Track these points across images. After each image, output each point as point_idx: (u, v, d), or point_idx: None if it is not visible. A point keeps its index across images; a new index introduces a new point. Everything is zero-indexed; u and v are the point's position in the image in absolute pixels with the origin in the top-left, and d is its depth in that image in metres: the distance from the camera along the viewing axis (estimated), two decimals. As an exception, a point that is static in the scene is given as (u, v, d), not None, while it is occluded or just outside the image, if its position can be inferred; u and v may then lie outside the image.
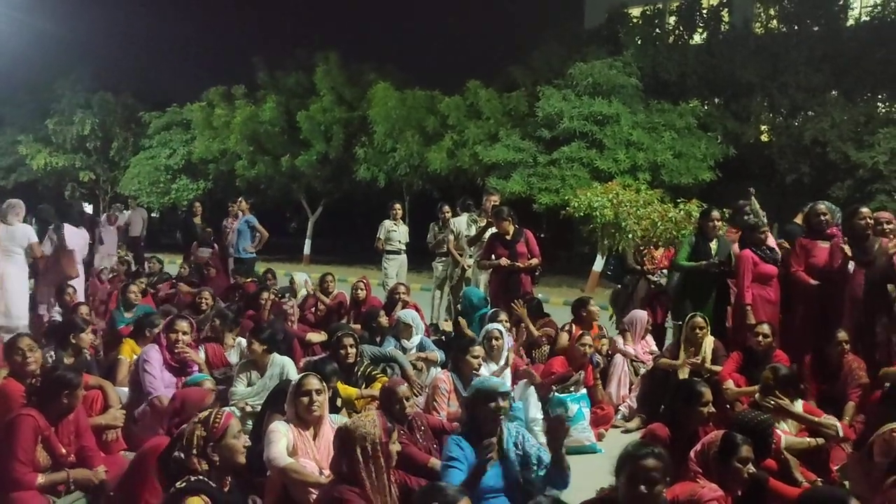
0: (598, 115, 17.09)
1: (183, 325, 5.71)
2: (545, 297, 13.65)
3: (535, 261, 7.99)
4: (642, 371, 6.82)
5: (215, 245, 11.72)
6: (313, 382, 4.22)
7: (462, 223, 9.69)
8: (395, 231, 10.99)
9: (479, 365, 5.63)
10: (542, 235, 18.32)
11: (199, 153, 23.93)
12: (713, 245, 7.29)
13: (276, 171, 22.62)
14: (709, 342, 6.46)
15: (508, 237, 8.05)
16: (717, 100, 19.50)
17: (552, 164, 17.05)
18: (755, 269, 6.89)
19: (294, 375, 5.91)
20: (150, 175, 25.24)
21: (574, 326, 7.11)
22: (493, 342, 6.22)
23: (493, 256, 8.01)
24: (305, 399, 4.15)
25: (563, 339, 7.01)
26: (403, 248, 11.11)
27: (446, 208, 10.59)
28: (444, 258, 10.33)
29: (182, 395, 4.37)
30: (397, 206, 11.19)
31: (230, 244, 11.58)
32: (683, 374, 6.28)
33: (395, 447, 3.53)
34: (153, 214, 26.52)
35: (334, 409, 4.94)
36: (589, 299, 7.47)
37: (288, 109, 22.63)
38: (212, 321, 6.95)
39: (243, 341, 6.60)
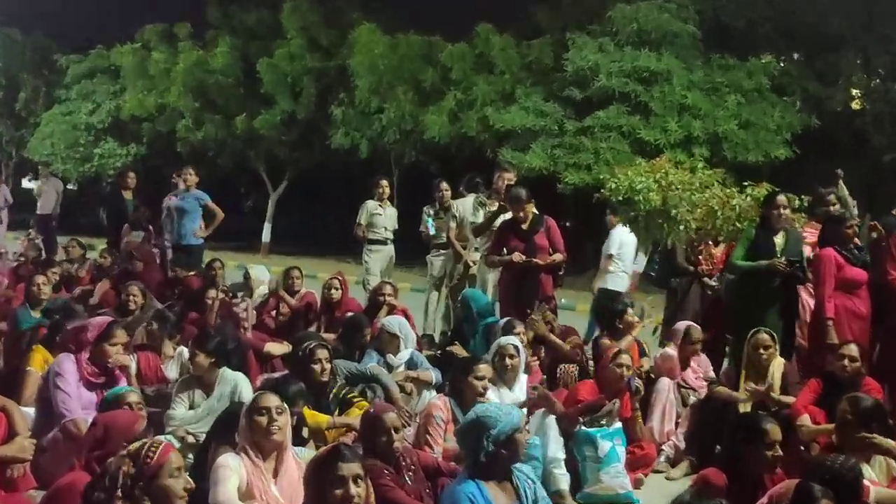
0: (644, 72, 17.06)
1: (121, 334, 5.76)
2: (570, 303, 13.67)
3: (558, 257, 8.01)
4: (692, 400, 6.84)
5: (150, 228, 11.75)
6: (272, 399, 4.27)
7: (467, 207, 9.70)
8: (381, 215, 11.01)
9: (485, 389, 5.65)
10: (568, 224, 18.32)
11: (130, 109, 23.86)
12: (779, 240, 7.31)
13: (229, 133, 22.58)
14: (777, 365, 6.49)
15: (525, 226, 8.05)
16: (796, 55, 19.45)
17: (583, 134, 17.03)
18: (839, 273, 6.91)
19: (249, 396, 5.94)
20: (67, 136, 25.18)
21: (608, 340, 7.13)
22: (508, 361, 6.23)
23: (504, 250, 8.02)
24: (262, 419, 4.17)
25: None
26: (390, 236, 11.13)
27: (444, 186, 10.59)
28: (442, 251, 10.35)
29: (105, 421, 4.38)
30: (384, 182, 11.20)
31: (168, 227, 11.57)
32: (745, 406, 6.30)
33: (358, 489, 3.49)
34: (69, 186, 26.44)
35: (300, 441, 4.95)
36: (626, 307, 7.50)
37: (245, 55, 22.58)
38: (148, 325, 6.97)
39: (185, 351, 6.62)
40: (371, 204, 11.03)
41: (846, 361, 6.02)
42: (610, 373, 6.17)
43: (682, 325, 7.26)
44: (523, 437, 4.15)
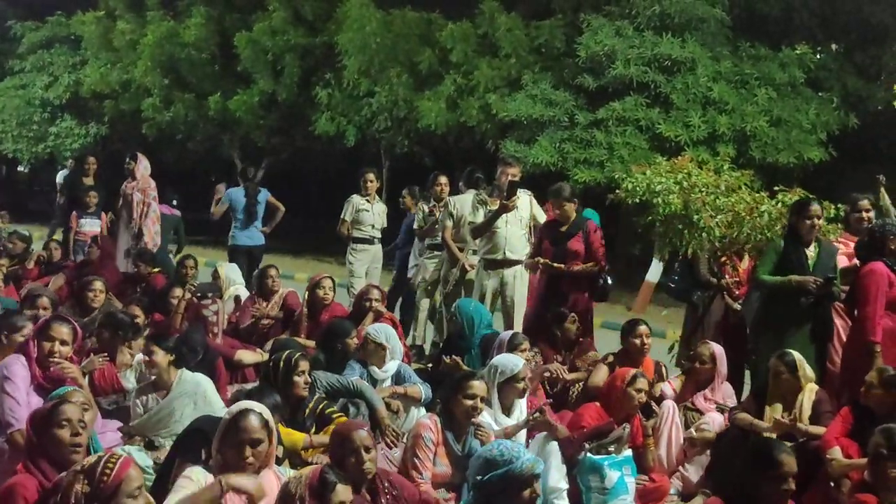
0: (666, 60, 17.06)
1: (62, 329, 5.71)
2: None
3: (590, 266, 8.09)
4: (699, 425, 6.85)
5: (103, 214, 11.82)
6: (254, 425, 4.26)
7: (465, 204, 9.71)
8: (368, 211, 11.05)
9: (478, 409, 5.64)
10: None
11: (92, 84, 23.84)
12: (811, 251, 7.33)
13: (201, 115, 22.54)
14: (808, 392, 6.48)
15: (564, 228, 8.15)
16: (835, 46, 19.45)
17: (596, 126, 17.03)
18: (890, 291, 6.90)
19: (215, 400, 5.94)
20: (20, 111, 25.10)
21: (617, 361, 7.15)
22: (516, 385, 6.22)
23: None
24: (246, 445, 4.22)
25: (601, 373, 7.04)
26: (378, 235, 11.17)
27: (443, 180, 10.62)
28: (435, 252, 10.36)
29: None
30: (371, 175, 11.25)
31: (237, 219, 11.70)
32: (770, 435, 6.29)
33: None
34: (20, 168, 26.39)
35: (275, 462, 4.95)
36: (639, 323, 7.51)
37: (222, 28, 22.54)
38: (99, 329, 6.93)
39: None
40: (357, 199, 11.07)
41: (882, 389, 6.03)
42: (625, 397, 6.18)
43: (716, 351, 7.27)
44: (529, 494, 4.16)
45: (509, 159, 9.68)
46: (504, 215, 8.69)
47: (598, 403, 6.35)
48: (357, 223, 11.04)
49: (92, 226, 11.73)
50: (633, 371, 6.37)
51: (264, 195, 12.07)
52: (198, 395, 5.94)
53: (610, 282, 8.56)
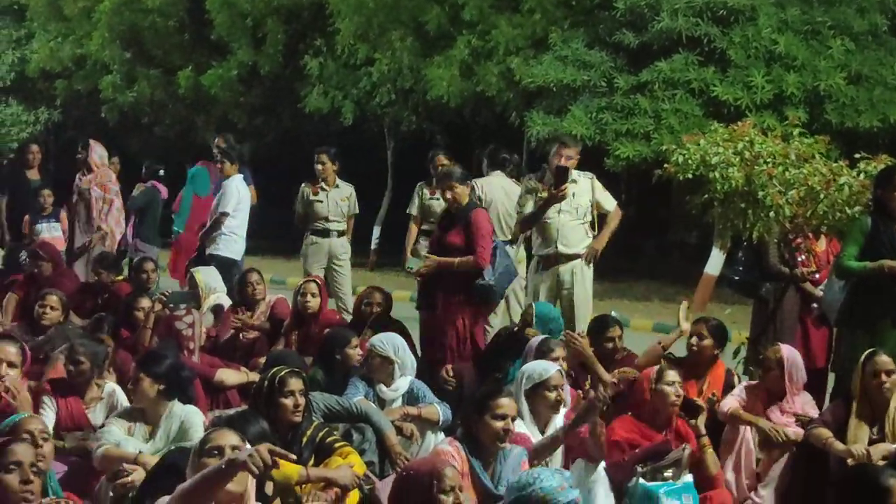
0: (721, 9, 17.00)
1: (8, 350, 5.71)
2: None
3: (469, 260, 8.16)
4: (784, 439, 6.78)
5: (64, 219, 11.81)
6: (229, 437, 4.32)
7: (494, 188, 9.84)
8: (322, 202, 11.45)
9: (510, 432, 5.61)
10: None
11: (40, 62, 23.97)
12: (904, 231, 7.29)
13: (170, 94, 22.67)
14: (900, 399, 6.45)
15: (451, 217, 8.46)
16: (925, -14, 19.32)
17: (640, 91, 16.99)
18: None
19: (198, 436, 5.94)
20: (-43, 96, 25.29)
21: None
22: (546, 394, 6.22)
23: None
24: (213, 462, 4.18)
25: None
26: (337, 228, 11.56)
27: (442, 159, 10.64)
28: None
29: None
30: (323, 157, 11.58)
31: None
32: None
33: None
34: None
35: (263, 500, 4.94)
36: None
37: (192, -10, 22.64)
38: (74, 363, 6.83)
39: (118, 390, 6.68)
40: (306, 186, 11.43)
41: None
42: (657, 399, 6.20)
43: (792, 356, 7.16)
44: None
45: (565, 138, 9.79)
46: (556, 204, 8.75)
47: (629, 418, 6.35)
48: (310, 213, 11.36)
49: (50, 231, 11.75)
50: (656, 367, 6.42)
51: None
52: (186, 433, 5.90)
53: (491, 279, 8.34)
